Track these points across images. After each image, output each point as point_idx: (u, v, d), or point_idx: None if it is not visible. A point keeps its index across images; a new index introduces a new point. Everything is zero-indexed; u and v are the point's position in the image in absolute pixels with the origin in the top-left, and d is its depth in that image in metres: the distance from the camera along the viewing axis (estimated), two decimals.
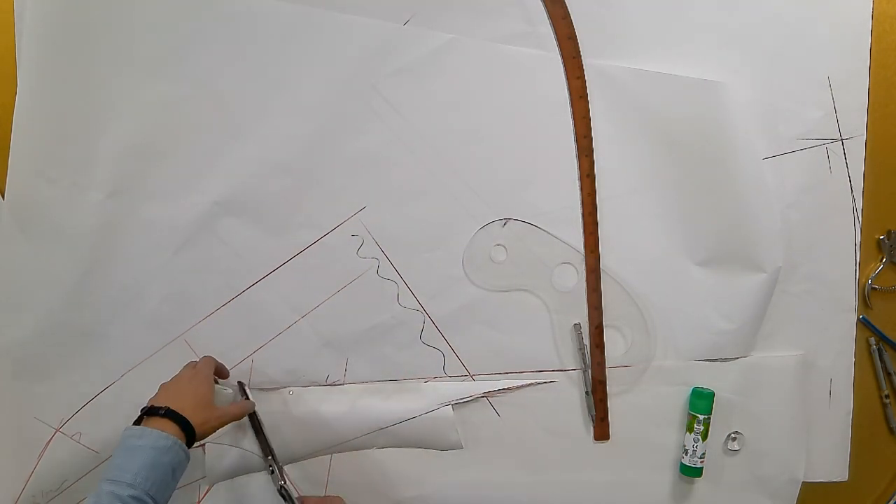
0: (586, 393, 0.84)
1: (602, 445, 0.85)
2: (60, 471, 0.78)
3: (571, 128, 0.81)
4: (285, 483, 0.78)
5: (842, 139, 0.85)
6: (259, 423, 0.79)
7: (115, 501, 0.59)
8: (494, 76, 0.80)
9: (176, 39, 0.75)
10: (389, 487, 0.83)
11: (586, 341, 0.84)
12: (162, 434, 0.64)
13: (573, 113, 0.81)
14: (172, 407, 0.66)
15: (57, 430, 0.77)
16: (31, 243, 0.75)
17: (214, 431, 0.70)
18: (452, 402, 0.82)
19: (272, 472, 0.79)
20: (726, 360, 0.85)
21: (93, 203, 0.75)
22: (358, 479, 0.82)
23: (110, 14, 0.74)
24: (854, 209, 0.86)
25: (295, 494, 0.77)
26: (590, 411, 0.84)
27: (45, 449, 0.77)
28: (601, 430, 0.85)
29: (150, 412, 0.66)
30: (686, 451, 0.84)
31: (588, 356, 0.84)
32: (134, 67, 0.75)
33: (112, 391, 0.78)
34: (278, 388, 0.81)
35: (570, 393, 0.84)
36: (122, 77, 0.75)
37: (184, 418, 0.66)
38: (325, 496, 0.81)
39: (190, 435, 0.66)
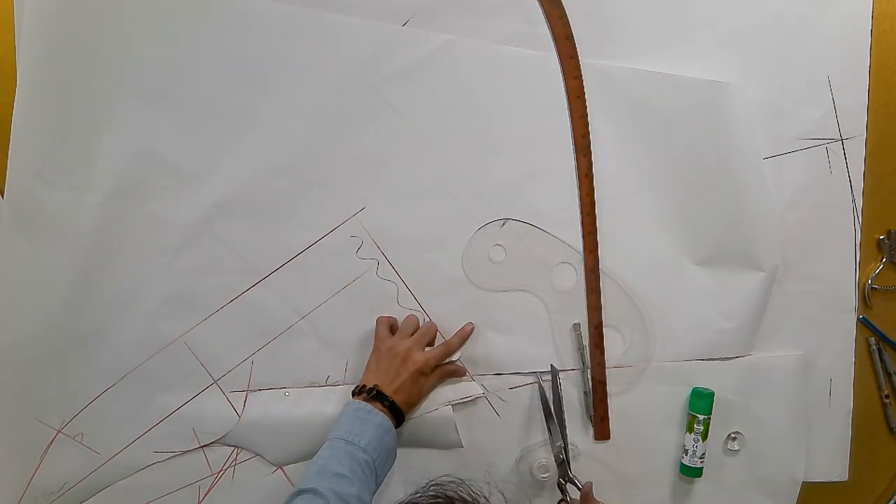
0: (584, 393, 0.84)
1: (602, 445, 0.85)
2: (62, 472, 0.78)
3: (570, 128, 0.81)
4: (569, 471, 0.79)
5: (842, 139, 0.85)
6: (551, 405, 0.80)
7: (353, 461, 0.65)
8: (493, 76, 0.80)
9: (175, 40, 0.75)
10: (389, 487, 0.83)
11: (585, 341, 0.84)
12: (386, 418, 0.70)
13: (571, 113, 0.81)
14: (389, 394, 0.72)
15: (58, 432, 0.78)
16: (30, 245, 0.75)
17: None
18: (452, 402, 0.82)
19: (561, 462, 0.79)
20: (726, 360, 0.86)
21: (92, 204, 0.75)
22: None
23: (110, 15, 0.73)
24: (854, 209, 0.86)
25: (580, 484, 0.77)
26: (587, 411, 0.84)
27: (46, 450, 0.77)
28: (601, 430, 0.85)
29: (377, 396, 0.72)
30: (686, 451, 0.84)
31: (587, 356, 0.84)
32: (133, 68, 0.75)
33: (113, 392, 0.78)
34: (278, 389, 0.81)
35: (570, 393, 0.84)
36: (121, 78, 0.75)
37: (401, 412, 0.73)
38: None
39: (400, 422, 0.73)
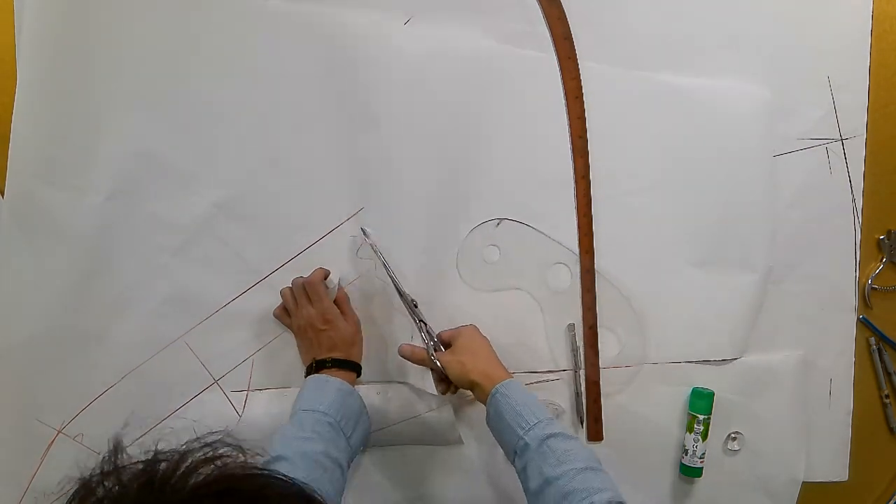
0: (576, 394, 0.84)
1: (602, 446, 0.85)
2: (62, 472, 0.78)
3: (567, 128, 0.81)
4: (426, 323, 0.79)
5: (842, 139, 0.85)
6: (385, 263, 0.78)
7: (316, 423, 0.66)
8: (492, 77, 0.80)
9: (175, 41, 0.75)
10: (390, 487, 0.83)
11: (580, 342, 0.83)
12: (342, 381, 0.72)
13: (569, 113, 0.81)
14: (327, 357, 0.75)
15: (59, 432, 0.77)
16: (31, 245, 0.75)
17: None
18: (452, 402, 0.81)
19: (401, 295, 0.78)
20: (725, 360, 0.86)
21: (92, 205, 0.75)
22: (358, 479, 0.82)
23: (110, 15, 0.73)
24: (854, 209, 0.86)
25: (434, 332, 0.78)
26: (578, 413, 0.84)
27: (46, 450, 0.77)
28: (595, 431, 0.84)
29: (320, 364, 0.74)
30: (686, 451, 0.84)
31: (581, 357, 0.83)
32: (133, 69, 0.75)
33: (113, 393, 0.78)
34: (279, 389, 0.81)
35: (565, 394, 0.84)
36: (121, 78, 0.75)
37: (351, 362, 0.76)
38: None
39: (357, 370, 0.77)
